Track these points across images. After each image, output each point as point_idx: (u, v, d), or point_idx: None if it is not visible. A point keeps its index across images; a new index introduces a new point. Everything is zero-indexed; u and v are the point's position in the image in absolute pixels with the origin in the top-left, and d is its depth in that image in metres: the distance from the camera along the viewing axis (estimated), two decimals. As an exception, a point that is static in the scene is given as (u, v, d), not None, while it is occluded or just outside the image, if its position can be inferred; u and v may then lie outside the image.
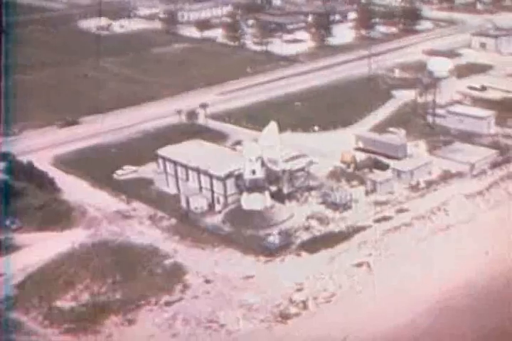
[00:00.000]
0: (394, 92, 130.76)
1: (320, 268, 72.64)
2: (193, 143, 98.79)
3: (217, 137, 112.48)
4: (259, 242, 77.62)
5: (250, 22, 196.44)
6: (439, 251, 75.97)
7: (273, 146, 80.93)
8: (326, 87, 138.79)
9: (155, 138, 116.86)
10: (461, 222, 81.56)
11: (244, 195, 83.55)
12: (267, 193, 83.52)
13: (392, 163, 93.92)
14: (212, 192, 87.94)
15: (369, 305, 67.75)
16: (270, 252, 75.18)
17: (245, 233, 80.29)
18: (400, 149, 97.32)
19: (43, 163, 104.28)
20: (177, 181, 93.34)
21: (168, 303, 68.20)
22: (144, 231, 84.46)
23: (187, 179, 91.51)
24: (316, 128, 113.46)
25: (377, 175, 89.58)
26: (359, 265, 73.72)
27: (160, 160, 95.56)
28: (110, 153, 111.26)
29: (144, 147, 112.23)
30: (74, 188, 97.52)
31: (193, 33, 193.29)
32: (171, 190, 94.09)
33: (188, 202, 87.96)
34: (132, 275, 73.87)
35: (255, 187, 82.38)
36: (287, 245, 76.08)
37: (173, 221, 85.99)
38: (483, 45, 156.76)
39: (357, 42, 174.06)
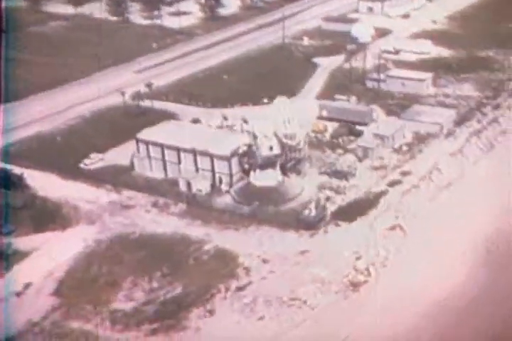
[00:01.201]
0: (315, 60, 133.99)
1: (365, 235, 74.81)
2: (169, 124, 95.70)
3: (168, 116, 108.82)
4: (289, 217, 77.90)
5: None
6: (454, 208, 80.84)
7: (290, 120, 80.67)
8: (242, 58, 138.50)
9: (98, 122, 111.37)
10: (456, 179, 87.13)
11: (257, 171, 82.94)
12: (277, 168, 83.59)
13: (369, 128, 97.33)
14: (213, 172, 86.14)
15: (419, 265, 71.08)
16: (309, 225, 75.90)
17: (267, 210, 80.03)
18: (368, 115, 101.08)
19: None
20: (164, 165, 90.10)
21: (240, 288, 66.88)
22: (157, 219, 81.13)
23: (178, 161, 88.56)
24: (265, 100, 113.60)
25: (367, 141, 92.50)
26: (392, 228, 76.78)
27: (141, 144, 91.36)
28: (58, 142, 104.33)
29: (93, 132, 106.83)
30: (44, 183, 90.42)
31: (62, 8, 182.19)
32: (157, 174, 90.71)
33: (189, 185, 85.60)
34: (179, 266, 71.20)
35: (269, 163, 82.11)
36: (323, 217, 77.19)
37: (182, 206, 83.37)
38: (370, 9, 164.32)
39: (244, 12, 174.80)
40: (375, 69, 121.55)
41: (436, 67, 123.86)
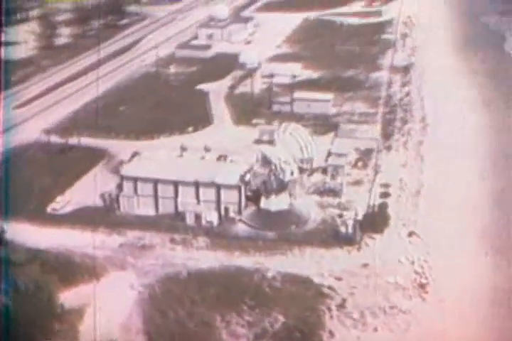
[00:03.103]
0: (200, 87, 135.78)
1: (401, 244, 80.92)
2: (145, 158, 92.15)
3: (97, 152, 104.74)
4: (324, 236, 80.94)
5: None
6: (437, 210, 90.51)
7: (307, 146, 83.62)
8: (120, 88, 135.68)
9: (21, 163, 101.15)
10: (420, 186, 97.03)
11: (272, 197, 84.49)
12: (287, 192, 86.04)
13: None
14: (219, 202, 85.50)
15: (453, 265, 79.11)
16: (350, 241, 79.87)
17: (296, 232, 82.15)
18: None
19: None
20: (156, 200, 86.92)
21: (341, 306, 68.90)
22: (190, 256, 78.33)
23: (175, 195, 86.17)
24: (190, 129, 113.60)
25: (336, 159, 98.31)
26: (410, 235, 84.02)
27: (127, 182, 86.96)
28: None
29: (26, 175, 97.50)
30: (24, 235, 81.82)
31: None
32: (146, 211, 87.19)
33: (197, 218, 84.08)
34: (259, 296, 70.50)
35: (282, 187, 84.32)
36: (357, 232, 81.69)
37: (203, 239, 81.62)
38: (210, 36, 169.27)
39: (79, 41, 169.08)
40: (266, 93, 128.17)
41: (318, 87, 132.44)
